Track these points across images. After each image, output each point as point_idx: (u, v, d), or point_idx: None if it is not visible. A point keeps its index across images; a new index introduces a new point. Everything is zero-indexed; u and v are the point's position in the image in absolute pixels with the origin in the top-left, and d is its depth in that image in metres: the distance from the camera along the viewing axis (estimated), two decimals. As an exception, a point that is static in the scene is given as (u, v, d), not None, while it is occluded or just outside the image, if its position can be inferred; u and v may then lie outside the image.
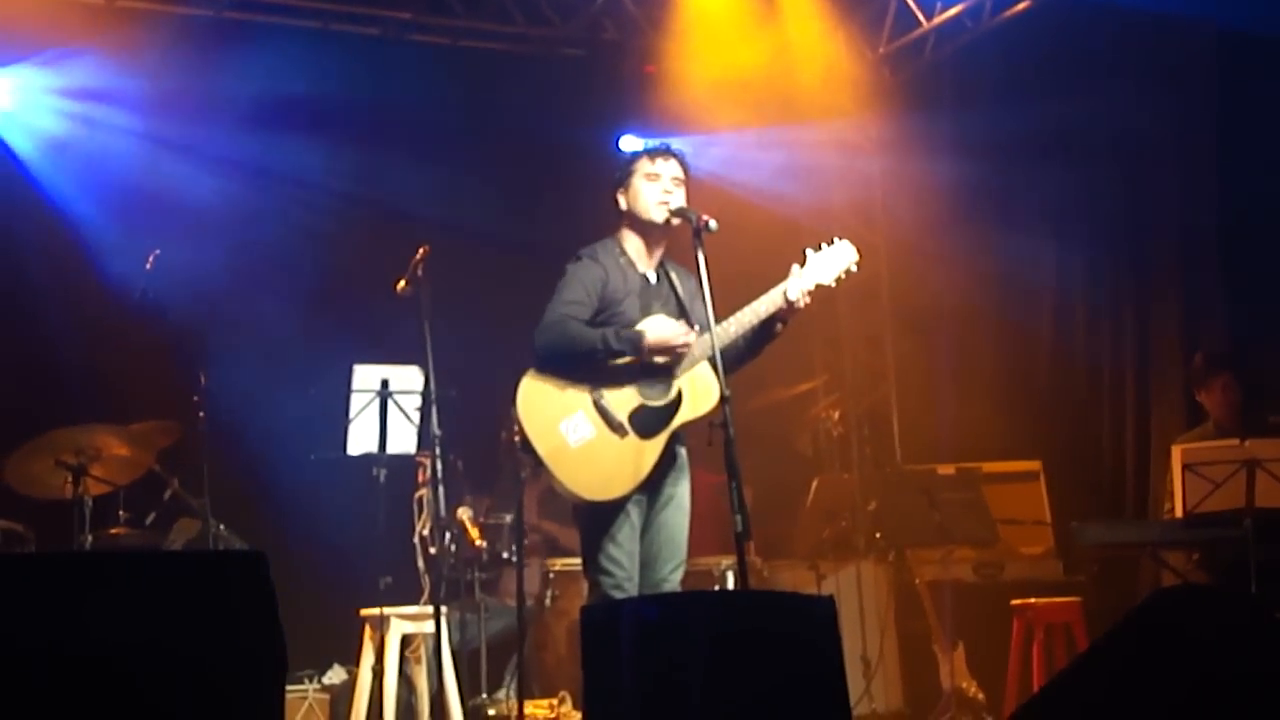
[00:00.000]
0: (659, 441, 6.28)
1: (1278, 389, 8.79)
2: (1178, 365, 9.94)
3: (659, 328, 6.29)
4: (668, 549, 6.37)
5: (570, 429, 6.22)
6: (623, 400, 6.27)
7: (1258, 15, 8.96)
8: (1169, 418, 9.88)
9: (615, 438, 6.24)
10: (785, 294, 6.35)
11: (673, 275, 6.57)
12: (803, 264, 6.45)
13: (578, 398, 6.27)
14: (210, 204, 10.15)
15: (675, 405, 6.31)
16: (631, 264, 6.49)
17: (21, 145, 9.89)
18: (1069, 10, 10.20)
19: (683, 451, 6.50)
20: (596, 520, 6.29)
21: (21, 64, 9.78)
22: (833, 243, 6.56)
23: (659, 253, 6.57)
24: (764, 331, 6.44)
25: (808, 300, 6.38)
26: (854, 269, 6.58)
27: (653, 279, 6.52)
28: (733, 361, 6.26)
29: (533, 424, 6.25)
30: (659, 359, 6.28)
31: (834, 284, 6.51)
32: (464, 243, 9.47)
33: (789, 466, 11.09)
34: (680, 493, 6.44)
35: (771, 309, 6.36)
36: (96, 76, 9.80)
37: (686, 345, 6.28)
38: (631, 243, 6.53)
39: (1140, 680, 4.15)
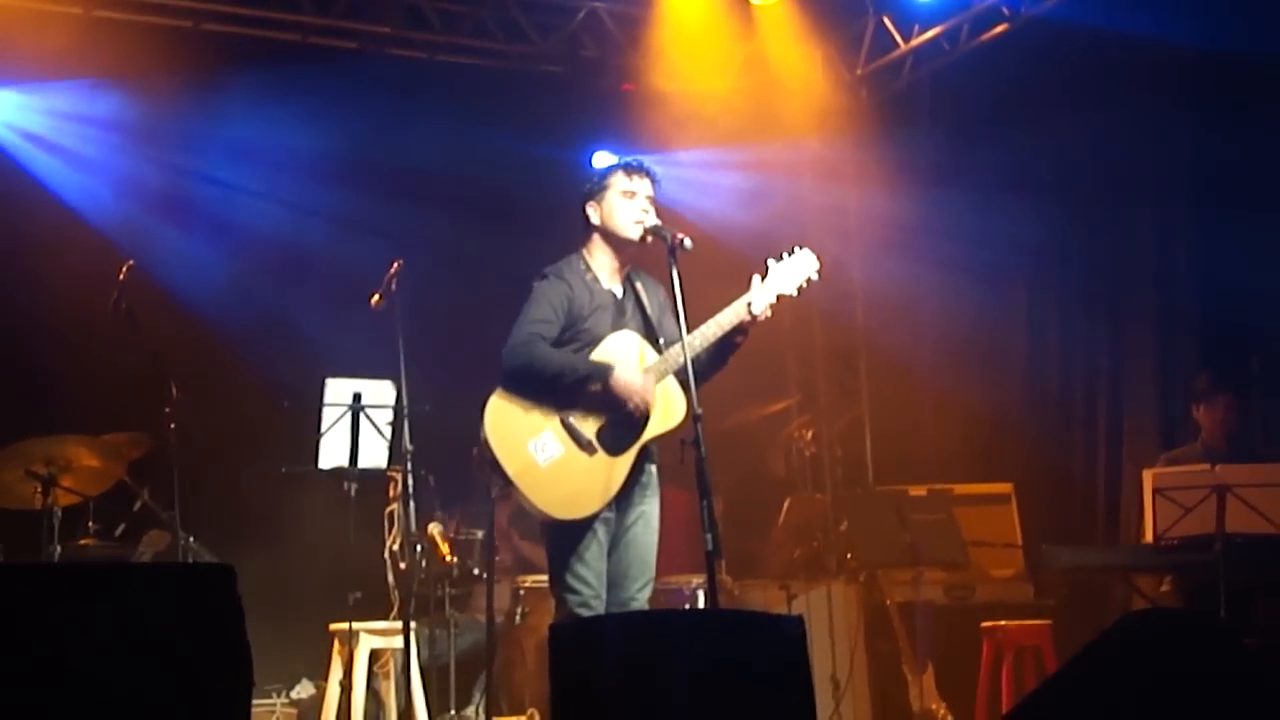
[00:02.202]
0: (628, 457, 6.27)
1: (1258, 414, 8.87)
2: (1150, 389, 10.00)
3: (626, 376, 6.24)
4: (636, 567, 6.35)
5: (539, 448, 6.21)
6: (590, 417, 6.26)
7: (1231, 36, 9.00)
8: (1141, 441, 9.91)
9: (584, 455, 6.22)
10: (749, 306, 6.33)
11: (639, 288, 6.54)
12: (764, 275, 6.44)
13: (545, 417, 6.25)
14: (183, 215, 10.16)
15: (643, 420, 6.29)
16: (596, 280, 6.47)
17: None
18: (1046, 34, 10.24)
19: (653, 469, 6.48)
20: (563, 538, 6.27)
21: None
22: (794, 252, 6.55)
23: (626, 268, 6.56)
24: (726, 344, 6.40)
25: (769, 313, 6.37)
26: (815, 278, 6.55)
27: (619, 294, 6.50)
28: (698, 375, 6.20)
29: (501, 444, 6.23)
30: (619, 409, 6.26)
31: (795, 293, 6.49)
32: (439, 257, 9.46)
33: (761, 485, 11.10)
34: (649, 510, 6.42)
35: (735, 320, 6.34)
36: (74, 89, 9.80)
37: (639, 404, 6.23)
38: (599, 258, 6.51)
39: (1108, 703, 4.15)
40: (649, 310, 6.48)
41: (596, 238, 6.51)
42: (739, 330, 6.37)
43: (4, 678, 3.55)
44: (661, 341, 6.38)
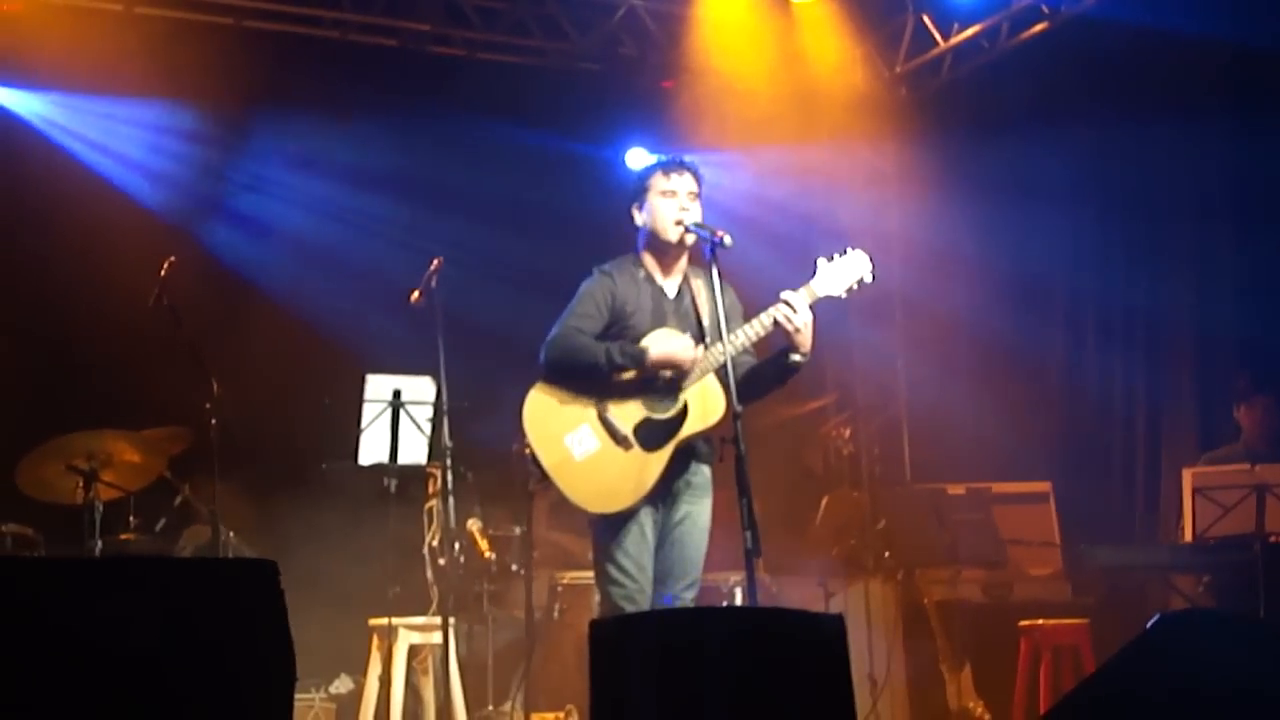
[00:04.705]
0: (664, 454, 6.26)
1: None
2: (1189, 387, 9.97)
3: (664, 343, 6.26)
4: (680, 567, 6.36)
5: (575, 442, 6.24)
6: (628, 413, 6.27)
7: (1273, 33, 8.96)
8: (1179, 440, 9.89)
9: (620, 450, 6.24)
10: (790, 303, 6.19)
11: (696, 288, 6.51)
12: (813, 273, 6.34)
13: (583, 411, 6.28)
14: (224, 211, 10.22)
15: (681, 418, 6.29)
16: (650, 278, 6.47)
17: (42, 150, 9.95)
18: (1086, 32, 10.21)
19: (706, 470, 6.47)
20: (607, 531, 6.30)
21: (44, 79, 9.86)
22: (845, 253, 6.40)
23: (680, 266, 6.52)
24: (781, 365, 6.33)
25: (809, 316, 6.20)
26: (868, 280, 6.37)
27: (672, 293, 6.49)
28: (747, 387, 6.18)
29: (538, 437, 6.27)
30: (665, 373, 6.26)
31: (844, 295, 6.34)
32: (478, 254, 9.48)
33: (799, 483, 11.09)
34: (698, 511, 6.42)
35: (773, 320, 6.21)
36: (116, 86, 9.85)
37: (692, 362, 6.25)
38: (648, 258, 6.50)
39: (1146, 704, 4.14)
40: (702, 310, 6.45)
41: (643, 239, 6.51)
42: (791, 349, 6.27)
43: (48, 672, 3.57)
44: (707, 340, 6.35)
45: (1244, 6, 9.16)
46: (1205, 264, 9.99)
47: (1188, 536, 7.67)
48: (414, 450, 8.06)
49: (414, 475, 8.27)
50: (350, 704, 8.85)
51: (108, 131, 10.06)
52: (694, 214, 6.38)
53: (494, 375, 7.64)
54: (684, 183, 6.45)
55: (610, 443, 6.25)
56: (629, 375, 6.26)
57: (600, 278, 6.44)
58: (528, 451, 6.33)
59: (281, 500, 9.16)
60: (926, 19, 11.22)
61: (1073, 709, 4.44)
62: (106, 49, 9.60)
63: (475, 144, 10.54)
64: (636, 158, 10.91)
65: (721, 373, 6.14)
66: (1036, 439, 10.60)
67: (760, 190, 11.13)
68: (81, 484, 7.83)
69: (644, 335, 6.32)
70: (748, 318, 6.30)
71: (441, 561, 8.18)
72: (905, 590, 9.59)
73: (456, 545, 8.01)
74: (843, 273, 6.37)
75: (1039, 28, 10.62)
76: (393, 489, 8.01)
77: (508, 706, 8.73)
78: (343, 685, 9.25)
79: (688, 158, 6.60)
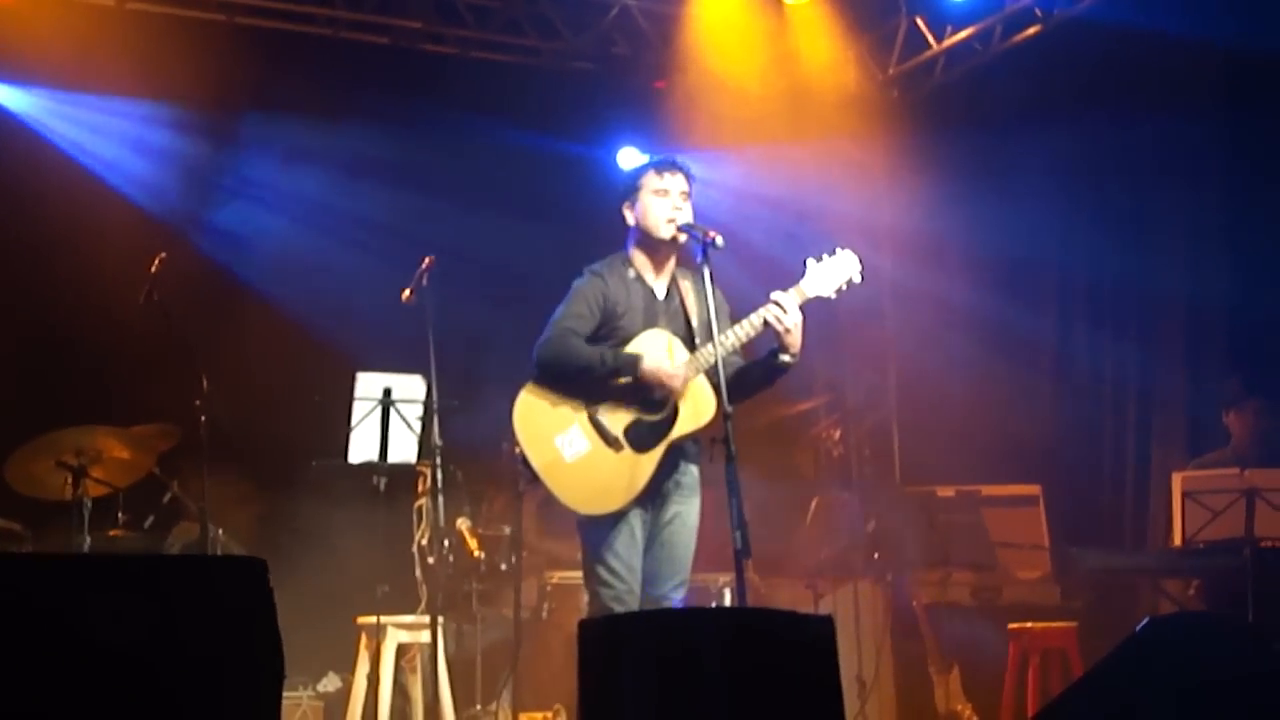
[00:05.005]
0: (655, 455, 6.27)
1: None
2: (1179, 390, 9.97)
3: (655, 362, 6.24)
4: (669, 566, 6.36)
5: (565, 443, 6.24)
6: (618, 414, 6.27)
7: (1264, 35, 8.97)
8: (1170, 443, 9.89)
9: (610, 452, 6.24)
10: (780, 303, 6.22)
11: (684, 287, 6.52)
12: (803, 274, 6.36)
13: (573, 412, 6.28)
14: (214, 208, 10.20)
15: (671, 419, 6.29)
16: (640, 278, 6.47)
17: (33, 145, 9.93)
18: (1078, 35, 10.22)
19: (694, 470, 6.47)
20: (597, 532, 6.29)
21: (35, 75, 9.85)
22: (834, 253, 6.43)
23: (669, 266, 6.53)
24: (771, 366, 6.34)
25: (799, 317, 6.24)
26: (856, 280, 6.41)
27: (661, 293, 6.49)
28: (736, 387, 6.16)
29: (529, 438, 6.27)
30: (655, 393, 6.24)
31: (834, 295, 6.37)
32: (469, 253, 9.47)
33: (789, 485, 11.08)
34: (687, 511, 6.42)
35: (764, 320, 6.22)
36: (108, 83, 9.84)
37: (676, 385, 6.24)
38: (639, 257, 6.50)
39: (1135, 708, 4.15)
40: (691, 310, 6.45)
41: (634, 239, 6.51)
42: (781, 350, 6.28)
43: (38, 668, 3.56)
44: (697, 341, 6.36)
45: (1238, 9, 9.17)
46: (1198, 265, 9.98)
47: (1177, 540, 7.67)
48: (404, 449, 8.05)
49: (404, 474, 8.25)
50: (338, 702, 8.84)
51: (98, 127, 10.04)
52: (686, 214, 6.38)
53: (485, 374, 7.65)
54: (676, 182, 6.45)
55: (601, 444, 6.25)
56: (622, 382, 6.25)
57: (591, 278, 6.44)
58: (518, 452, 6.33)
59: (271, 498, 9.16)
60: (919, 21, 11.23)
61: (1061, 712, 4.45)
62: (98, 45, 9.59)
63: (467, 142, 10.54)
64: (628, 157, 10.90)
65: (712, 373, 6.14)
66: (1026, 441, 10.61)
67: (752, 190, 11.12)
68: (70, 480, 7.80)
69: (635, 336, 6.33)
70: (737, 318, 6.31)
71: (430, 560, 8.16)
72: (894, 592, 9.59)
73: (446, 544, 8.00)
74: (832, 273, 6.39)
75: (1032, 30, 10.62)
76: (382, 487, 8.00)
77: (495, 706, 8.72)
78: (331, 683, 9.23)
79: (680, 158, 6.60)
